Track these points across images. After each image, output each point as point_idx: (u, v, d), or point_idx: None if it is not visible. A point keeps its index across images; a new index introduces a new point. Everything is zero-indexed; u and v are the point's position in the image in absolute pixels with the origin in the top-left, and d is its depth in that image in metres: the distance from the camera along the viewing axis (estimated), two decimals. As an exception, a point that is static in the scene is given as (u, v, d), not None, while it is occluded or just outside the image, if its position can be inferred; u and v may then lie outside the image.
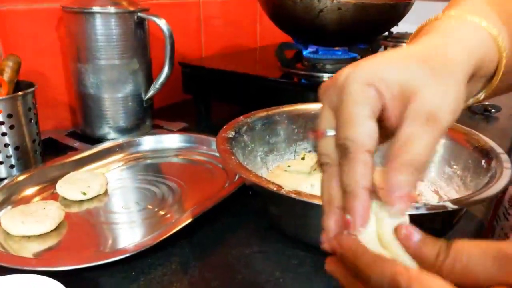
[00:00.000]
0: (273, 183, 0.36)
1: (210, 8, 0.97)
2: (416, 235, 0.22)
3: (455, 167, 0.53)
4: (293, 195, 0.34)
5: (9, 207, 0.49)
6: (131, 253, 0.39)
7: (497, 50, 0.28)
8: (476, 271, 0.20)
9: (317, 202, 0.34)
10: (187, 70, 0.83)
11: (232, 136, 0.49)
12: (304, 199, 0.34)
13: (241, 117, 0.55)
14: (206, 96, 0.84)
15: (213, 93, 0.82)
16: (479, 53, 0.27)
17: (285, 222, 0.43)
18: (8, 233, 0.45)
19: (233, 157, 0.42)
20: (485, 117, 0.86)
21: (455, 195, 0.51)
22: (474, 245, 0.21)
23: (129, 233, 0.46)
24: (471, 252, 0.20)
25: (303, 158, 0.51)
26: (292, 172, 0.49)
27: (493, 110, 0.86)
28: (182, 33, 0.90)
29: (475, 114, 0.87)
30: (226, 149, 0.44)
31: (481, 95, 0.31)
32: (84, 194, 0.52)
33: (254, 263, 0.42)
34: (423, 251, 0.21)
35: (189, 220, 0.44)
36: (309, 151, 0.60)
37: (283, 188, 0.35)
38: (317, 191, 0.47)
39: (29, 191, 0.53)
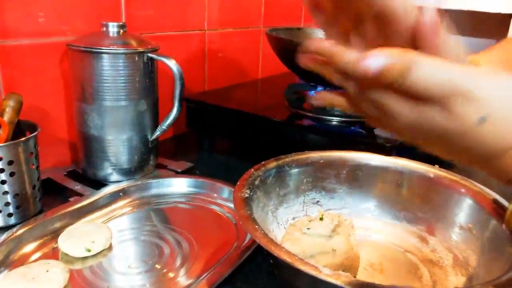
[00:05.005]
0: (309, 264, 0.34)
1: (214, 39, 0.95)
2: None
3: (470, 225, 0.52)
4: (333, 280, 0.32)
5: (6, 270, 0.46)
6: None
7: None
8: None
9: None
10: (191, 106, 0.80)
11: (248, 195, 0.47)
12: (345, 286, 0.32)
13: (252, 169, 0.53)
14: (210, 132, 0.82)
15: (217, 130, 0.80)
16: None
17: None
18: (7, 300, 0.41)
19: (257, 227, 0.39)
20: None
21: (473, 258, 0.50)
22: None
23: (138, 300, 0.44)
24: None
25: (321, 219, 0.49)
26: (312, 235, 0.47)
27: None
28: (186, 65, 0.88)
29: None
30: (247, 215, 0.42)
31: None
32: (89, 251, 0.49)
33: None
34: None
35: (206, 292, 0.41)
36: (317, 201, 0.58)
37: (321, 272, 0.33)
38: (339, 257, 0.46)
39: (29, 247, 0.50)
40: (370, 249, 0.54)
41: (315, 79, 0.77)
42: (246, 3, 1.03)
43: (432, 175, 0.54)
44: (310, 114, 0.75)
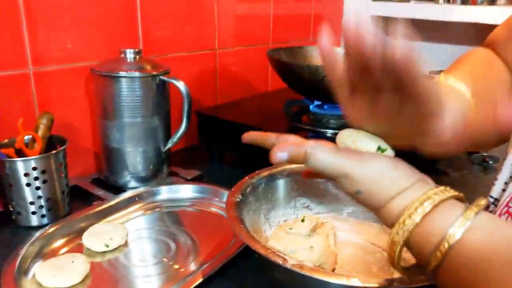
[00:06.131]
0: (278, 255, 0.41)
1: (225, 57, 1.04)
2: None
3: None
4: (296, 269, 0.39)
5: (40, 260, 0.55)
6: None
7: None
8: None
9: (319, 276, 0.40)
10: (202, 119, 0.89)
11: (239, 199, 0.55)
12: (306, 273, 0.39)
13: (246, 177, 0.60)
14: (218, 144, 0.90)
15: (225, 142, 0.89)
16: None
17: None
18: (41, 285, 0.51)
19: (242, 226, 0.47)
20: (483, 167, 0.91)
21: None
22: None
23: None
24: None
25: (303, 220, 0.56)
26: (293, 234, 0.54)
27: (490, 162, 0.91)
28: (199, 81, 0.98)
29: (474, 165, 0.91)
30: (235, 216, 0.50)
31: None
32: (107, 246, 0.58)
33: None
34: None
35: (200, 280, 0.50)
36: (307, 206, 0.65)
37: (288, 261, 0.40)
38: (316, 253, 0.53)
39: (58, 242, 0.59)
40: (351, 249, 0.61)
41: (314, 95, 0.85)
42: (255, 23, 1.12)
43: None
44: (308, 127, 0.82)
